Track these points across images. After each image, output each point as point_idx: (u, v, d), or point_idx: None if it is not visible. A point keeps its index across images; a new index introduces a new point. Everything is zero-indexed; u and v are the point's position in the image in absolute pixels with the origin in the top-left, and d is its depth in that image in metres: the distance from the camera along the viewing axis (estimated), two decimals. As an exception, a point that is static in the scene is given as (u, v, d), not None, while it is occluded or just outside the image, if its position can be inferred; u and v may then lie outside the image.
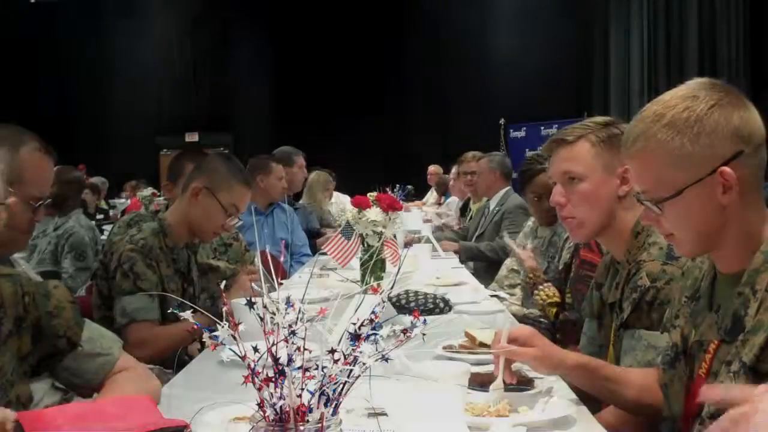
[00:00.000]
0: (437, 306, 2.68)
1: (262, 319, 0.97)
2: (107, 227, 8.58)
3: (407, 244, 4.60)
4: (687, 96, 1.37)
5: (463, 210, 6.60)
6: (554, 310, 3.02)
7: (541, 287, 3.10)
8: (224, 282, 1.20)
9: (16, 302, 1.52)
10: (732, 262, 1.38)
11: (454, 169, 7.10)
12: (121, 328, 2.45)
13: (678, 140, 1.34)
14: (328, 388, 0.97)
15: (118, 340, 1.74)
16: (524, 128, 12.22)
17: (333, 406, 0.98)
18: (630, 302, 1.81)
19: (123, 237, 2.61)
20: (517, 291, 3.82)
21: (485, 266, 5.05)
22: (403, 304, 2.61)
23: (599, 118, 1.98)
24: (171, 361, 2.27)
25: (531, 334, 1.71)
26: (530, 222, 4.02)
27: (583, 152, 1.91)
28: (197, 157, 3.30)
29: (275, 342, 0.95)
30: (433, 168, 8.79)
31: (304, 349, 0.95)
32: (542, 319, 3.42)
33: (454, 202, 7.19)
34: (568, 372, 1.69)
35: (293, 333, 0.95)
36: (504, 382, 1.68)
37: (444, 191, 8.43)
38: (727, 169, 1.32)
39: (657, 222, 1.43)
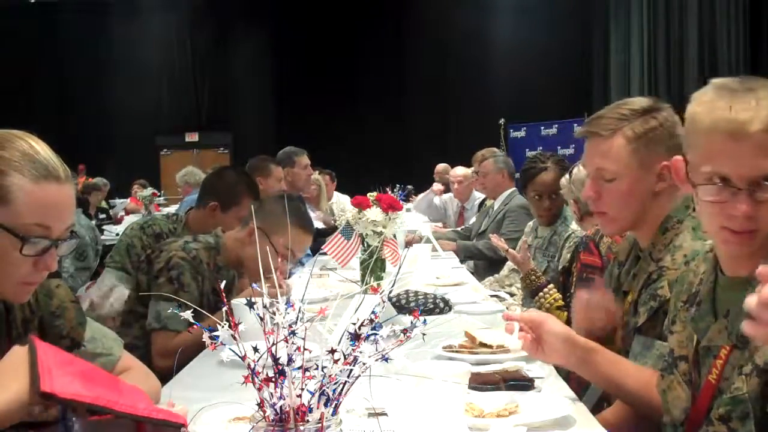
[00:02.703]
0: (437, 306, 2.68)
1: (262, 319, 0.97)
2: (108, 227, 8.60)
3: (407, 244, 4.59)
4: None
5: (480, 208, 6.57)
6: (563, 314, 3.00)
7: (544, 290, 3.08)
8: (224, 282, 1.20)
9: (23, 304, 1.52)
10: (742, 265, 1.33)
11: (451, 171, 7.09)
12: (151, 331, 2.49)
13: None
14: (328, 388, 0.97)
15: (119, 339, 1.73)
16: (524, 128, 12.20)
17: (333, 406, 0.98)
18: (647, 309, 1.76)
19: (176, 241, 2.64)
20: (516, 290, 3.82)
21: (485, 265, 5.04)
22: (403, 304, 2.61)
23: (637, 104, 1.84)
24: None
25: (543, 321, 1.70)
26: (531, 222, 4.02)
27: (619, 149, 1.78)
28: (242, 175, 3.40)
29: (275, 342, 0.95)
30: (441, 167, 8.75)
31: (304, 349, 0.96)
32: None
33: (455, 202, 7.17)
34: (575, 351, 1.67)
35: (293, 333, 0.95)
36: (504, 382, 1.69)
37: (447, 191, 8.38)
38: None
39: (752, 214, 1.27)
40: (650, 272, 1.80)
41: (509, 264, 4.06)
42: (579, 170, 2.86)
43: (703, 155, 1.30)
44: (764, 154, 1.23)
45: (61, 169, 1.37)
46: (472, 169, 6.35)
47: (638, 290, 1.84)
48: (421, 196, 7.77)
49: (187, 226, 3.25)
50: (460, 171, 6.82)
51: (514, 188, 5.26)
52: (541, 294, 3.07)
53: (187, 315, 1.01)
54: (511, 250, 3.39)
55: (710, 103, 1.29)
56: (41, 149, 1.37)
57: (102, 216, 10.05)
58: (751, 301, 0.91)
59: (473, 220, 6.11)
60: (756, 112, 1.24)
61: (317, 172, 6.58)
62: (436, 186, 7.36)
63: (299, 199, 5.39)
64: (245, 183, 3.34)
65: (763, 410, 1.22)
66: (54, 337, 1.58)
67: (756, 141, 1.23)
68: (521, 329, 1.68)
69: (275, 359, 0.95)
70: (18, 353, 1.16)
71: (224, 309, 1.00)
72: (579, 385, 2.01)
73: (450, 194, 7.35)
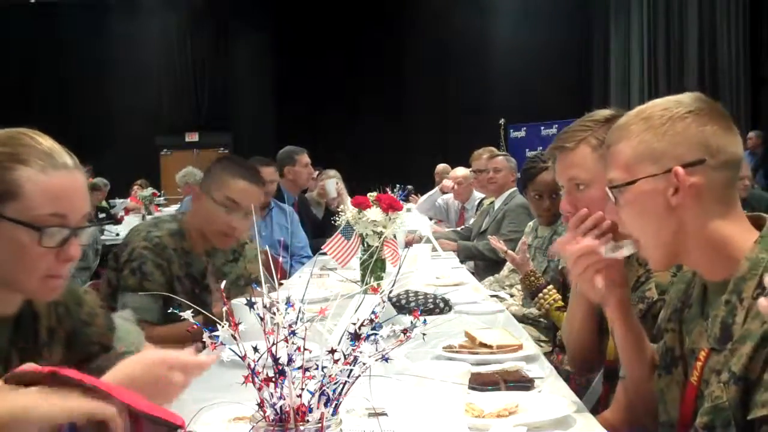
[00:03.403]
0: (437, 306, 2.68)
1: (262, 319, 0.97)
2: (108, 227, 8.60)
3: (407, 244, 4.59)
4: (674, 100, 1.42)
5: (478, 208, 6.57)
6: (563, 315, 3.00)
7: (544, 291, 3.08)
8: (224, 282, 1.20)
9: (49, 313, 1.51)
10: (713, 271, 1.39)
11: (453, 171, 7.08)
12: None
13: (647, 135, 1.39)
14: (328, 388, 0.97)
15: (141, 332, 1.74)
16: (524, 128, 12.21)
17: (333, 406, 0.98)
18: (636, 312, 1.78)
19: (140, 232, 2.63)
20: (515, 291, 3.82)
21: (485, 266, 5.05)
22: (403, 304, 2.61)
23: (600, 114, 1.95)
24: None
25: None
26: (531, 222, 4.02)
27: (585, 158, 1.88)
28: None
29: (275, 342, 0.95)
30: (441, 167, 8.74)
31: (304, 349, 0.95)
32: (542, 319, 3.42)
33: (455, 203, 7.17)
34: (626, 314, 1.64)
35: (293, 333, 0.95)
36: (504, 382, 1.69)
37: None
38: (680, 170, 1.34)
39: (618, 217, 1.45)
40: (638, 276, 1.84)
41: (509, 264, 4.06)
42: None
43: None
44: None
45: (68, 157, 1.37)
46: (471, 168, 6.35)
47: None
48: (424, 197, 7.74)
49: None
50: (460, 172, 6.81)
51: (515, 188, 5.26)
52: (540, 295, 3.07)
53: (187, 315, 1.01)
54: (509, 252, 3.39)
55: None
56: (45, 141, 1.36)
57: (102, 216, 10.05)
58: None
59: (473, 220, 6.12)
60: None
61: (317, 172, 6.59)
62: (446, 182, 7.29)
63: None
64: (238, 166, 3.32)
65: (745, 417, 1.23)
66: (85, 343, 1.56)
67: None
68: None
69: (275, 359, 0.95)
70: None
71: (224, 309, 1.00)
72: (579, 385, 2.01)
73: (450, 195, 7.34)
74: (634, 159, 1.40)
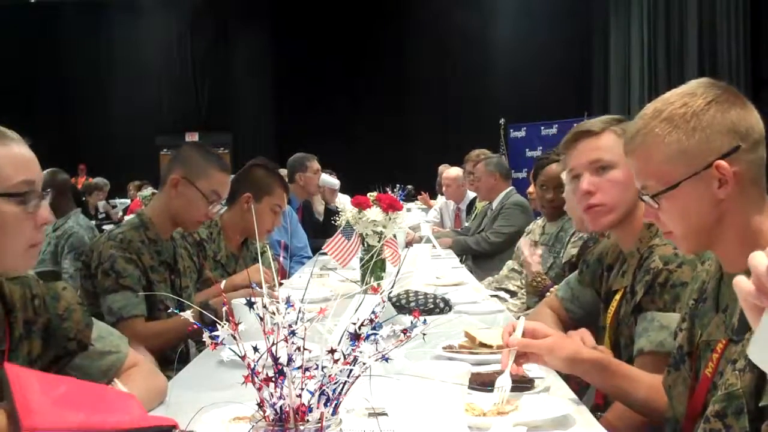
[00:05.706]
0: (437, 306, 2.68)
1: (262, 319, 0.97)
2: (107, 227, 8.60)
3: (407, 244, 4.60)
4: (685, 93, 1.39)
5: (470, 209, 6.61)
6: None
7: (550, 291, 3.09)
8: (224, 282, 1.20)
9: (25, 305, 1.51)
10: (737, 261, 1.36)
11: (445, 172, 7.09)
12: (112, 326, 2.46)
13: (675, 135, 1.36)
14: (328, 388, 0.97)
15: (125, 337, 1.74)
16: (524, 128, 12.18)
17: (333, 406, 0.98)
18: (642, 285, 1.83)
19: (103, 236, 2.60)
20: (516, 288, 3.82)
21: (481, 262, 5.14)
22: (403, 304, 2.61)
23: (608, 116, 2.04)
24: (166, 358, 2.27)
25: (544, 327, 1.72)
26: (539, 221, 4.02)
27: (612, 142, 1.95)
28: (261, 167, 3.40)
29: (275, 342, 0.95)
30: (442, 167, 8.76)
31: (304, 349, 0.95)
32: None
33: (451, 204, 7.19)
34: (582, 366, 1.68)
35: (293, 333, 0.95)
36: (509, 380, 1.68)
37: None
38: (722, 162, 1.33)
39: (656, 218, 1.43)
40: (641, 254, 1.90)
41: (509, 263, 4.07)
42: None
43: None
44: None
45: (9, 132, 1.43)
46: (464, 168, 6.41)
47: (632, 274, 1.92)
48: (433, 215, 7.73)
49: (223, 228, 3.24)
50: (452, 173, 6.85)
51: (511, 188, 5.38)
52: (547, 294, 3.08)
53: (188, 315, 1.01)
54: (527, 254, 3.40)
55: None
56: None
57: (102, 216, 10.05)
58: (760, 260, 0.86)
59: (469, 222, 6.17)
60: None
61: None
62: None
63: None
64: (275, 174, 3.40)
65: (757, 405, 1.22)
66: (61, 339, 1.57)
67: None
68: (518, 358, 1.67)
69: (275, 359, 0.95)
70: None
71: (224, 309, 1.00)
72: (579, 385, 2.02)
73: (445, 202, 7.37)
74: (668, 163, 1.37)
